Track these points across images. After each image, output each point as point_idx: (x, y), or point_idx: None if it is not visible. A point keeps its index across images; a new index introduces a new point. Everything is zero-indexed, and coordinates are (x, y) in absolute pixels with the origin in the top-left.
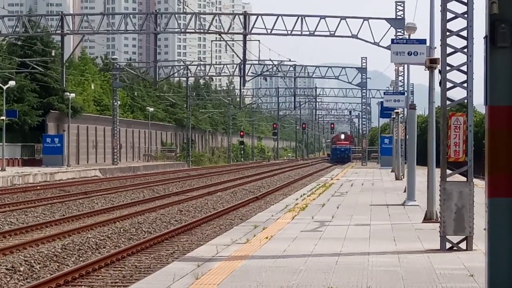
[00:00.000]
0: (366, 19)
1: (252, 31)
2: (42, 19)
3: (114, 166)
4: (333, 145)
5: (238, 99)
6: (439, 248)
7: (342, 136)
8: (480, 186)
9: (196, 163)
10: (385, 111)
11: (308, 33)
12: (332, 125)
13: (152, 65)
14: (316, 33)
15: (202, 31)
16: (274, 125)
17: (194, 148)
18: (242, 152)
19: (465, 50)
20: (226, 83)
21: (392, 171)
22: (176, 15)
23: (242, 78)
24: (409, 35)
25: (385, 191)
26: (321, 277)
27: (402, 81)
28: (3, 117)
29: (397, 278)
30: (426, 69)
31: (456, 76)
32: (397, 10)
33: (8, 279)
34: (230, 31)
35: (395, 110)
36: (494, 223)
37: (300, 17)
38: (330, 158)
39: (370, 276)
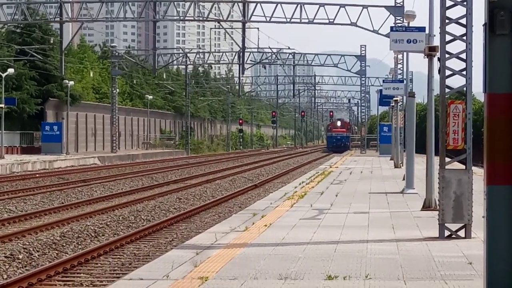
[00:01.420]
0: (365, 6)
1: (251, 19)
2: (41, 7)
3: (113, 154)
4: (328, 133)
5: (237, 87)
6: (437, 236)
7: (339, 123)
8: (479, 174)
9: (195, 151)
10: (384, 99)
11: (307, 20)
12: (331, 113)
13: (151, 53)
14: (315, 20)
15: (201, 18)
16: (273, 113)
17: (193, 136)
18: (241, 140)
19: (464, 37)
20: (225, 71)
21: (391, 159)
22: (175, 3)
23: (241, 66)
24: (408, 23)
25: (384, 179)
26: (319, 265)
27: (401, 69)
28: (2, 105)
29: (396, 266)
30: (425, 56)
31: (455, 64)
32: None
33: (7, 267)
34: (229, 19)
35: (394, 98)
36: (493, 211)
37: (299, 5)
38: (326, 146)
39: (369, 264)
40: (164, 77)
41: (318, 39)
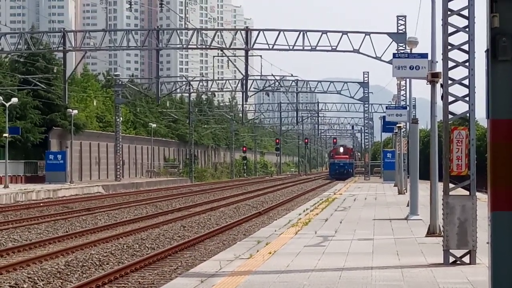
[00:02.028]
0: (367, 33)
1: (254, 46)
2: (44, 36)
3: (117, 182)
4: (331, 160)
5: (240, 114)
6: (442, 262)
7: (341, 150)
8: (483, 200)
9: (199, 178)
10: (387, 126)
11: (310, 48)
12: (335, 140)
13: (154, 81)
14: (318, 48)
15: (204, 46)
16: (277, 140)
17: (196, 164)
18: (244, 167)
19: (467, 64)
20: (229, 98)
21: (395, 186)
22: (178, 31)
23: (244, 93)
24: (411, 50)
25: (388, 205)
26: None
27: (404, 95)
28: (6, 134)
29: None
30: (428, 83)
31: (458, 90)
32: (399, 25)
33: None
34: (232, 47)
35: (398, 125)
36: (497, 237)
37: (301, 32)
38: (329, 173)
39: None
40: (168, 105)
41: (321, 66)
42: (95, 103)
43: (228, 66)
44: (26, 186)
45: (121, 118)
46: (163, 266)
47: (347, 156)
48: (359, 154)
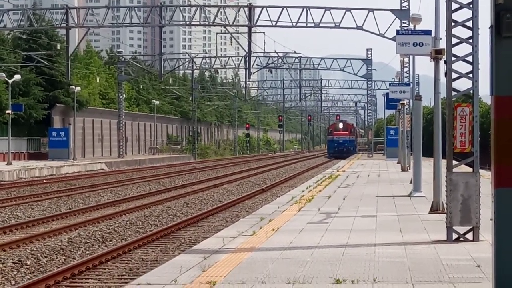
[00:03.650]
0: (371, 10)
1: (257, 23)
2: (47, 13)
3: (120, 159)
4: (329, 136)
5: (243, 91)
6: (445, 239)
7: (341, 125)
8: (486, 177)
9: (202, 155)
10: (390, 103)
11: (313, 25)
12: (338, 117)
13: (157, 58)
14: (321, 24)
15: (207, 23)
16: (280, 117)
17: (199, 141)
18: (248, 144)
19: (471, 40)
20: (232, 75)
21: (398, 163)
22: (181, 8)
23: (247, 70)
24: (414, 26)
25: (391, 182)
26: (327, 268)
27: (408, 72)
28: (9, 111)
29: (404, 269)
30: (432, 60)
31: (461, 67)
32: (402, 1)
33: (15, 273)
34: (235, 24)
35: (401, 102)
36: (501, 213)
37: (305, 9)
38: (327, 151)
39: (377, 267)
40: (171, 82)
41: (324, 43)
42: (98, 80)
43: (231, 43)
44: (29, 163)
45: (124, 95)
46: (166, 243)
47: (347, 133)
48: (362, 131)
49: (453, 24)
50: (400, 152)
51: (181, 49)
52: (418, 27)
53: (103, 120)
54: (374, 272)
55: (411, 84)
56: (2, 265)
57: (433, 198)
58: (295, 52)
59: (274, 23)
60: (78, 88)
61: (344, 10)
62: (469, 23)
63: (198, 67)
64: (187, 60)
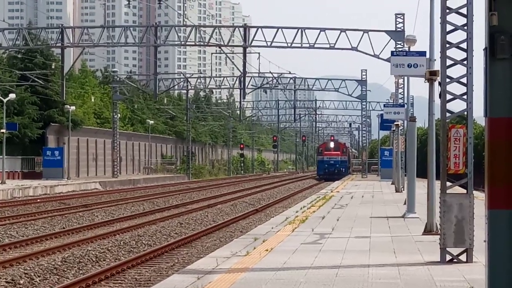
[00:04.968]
0: (366, 31)
1: (252, 44)
2: (42, 32)
3: (114, 178)
4: (319, 156)
5: (238, 111)
6: (439, 260)
7: (332, 145)
8: (480, 198)
9: (196, 175)
10: (385, 123)
11: (308, 45)
12: (332, 138)
13: (152, 77)
14: (316, 45)
15: (202, 43)
16: (274, 138)
17: (194, 161)
18: (242, 164)
19: (465, 62)
20: (226, 95)
21: (392, 184)
22: (176, 28)
23: (242, 90)
24: (409, 48)
25: (385, 203)
26: None
27: (402, 93)
28: (4, 130)
29: None
30: (426, 81)
31: (456, 88)
32: (397, 23)
33: None
34: (230, 44)
35: (395, 122)
36: (494, 235)
37: (300, 30)
38: (316, 173)
39: None
40: (165, 102)
41: (319, 64)
42: (92, 99)
43: (226, 63)
44: (23, 182)
45: (118, 115)
46: (160, 263)
47: (338, 153)
48: (355, 151)
49: (447, 45)
50: (394, 173)
51: (176, 69)
52: (412, 49)
53: (98, 140)
54: None
55: (406, 105)
56: None
57: (427, 219)
58: (289, 73)
59: (269, 43)
60: (73, 108)
61: (339, 31)
62: (464, 45)
63: (192, 87)
64: (182, 80)
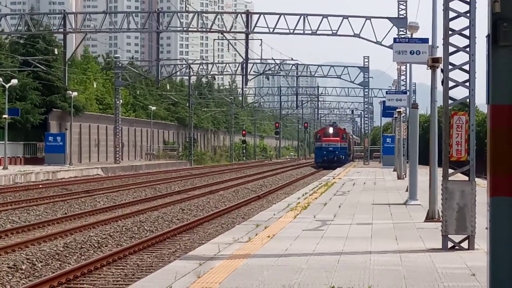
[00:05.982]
0: (368, 18)
1: (254, 30)
2: (44, 18)
3: (116, 164)
4: (317, 143)
5: (240, 98)
6: (441, 247)
7: (330, 130)
8: (482, 185)
9: (198, 162)
10: (387, 110)
11: (310, 32)
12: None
13: (154, 63)
14: (318, 32)
15: (204, 30)
16: (276, 124)
17: (196, 147)
18: (244, 151)
19: (468, 49)
20: (229, 82)
21: (394, 171)
22: (179, 14)
23: (244, 77)
24: (412, 34)
25: (387, 190)
26: (323, 275)
27: (404, 80)
28: (6, 116)
29: (399, 277)
30: (428, 68)
31: (458, 75)
32: (400, 9)
33: (10, 277)
34: (232, 30)
35: (397, 109)
36: (496, 222)
37: (302, 16)
38: (314, 160)
39: (372, 275)
40: (168, 88)
41: (321, 50)
42: (95, 85)
43: (228, 49)
44: (25, 168)
45: (120, 101)
46: (162, 249)
47: (337, 139)
48: (357, 138)
49: (450, 32)
50: (396, 160)
51: (178, 55)
52: (415, 35)
53: (100, 126)
54: (369, 280)
55: (408, 92)
56: None
57: (429, 206)
58: (292, 59)
59: (271, 30)
60: (75, 93)
61: (342, 18)
62: (466, 32)
63: (195, 73)
64: (184, 66)
